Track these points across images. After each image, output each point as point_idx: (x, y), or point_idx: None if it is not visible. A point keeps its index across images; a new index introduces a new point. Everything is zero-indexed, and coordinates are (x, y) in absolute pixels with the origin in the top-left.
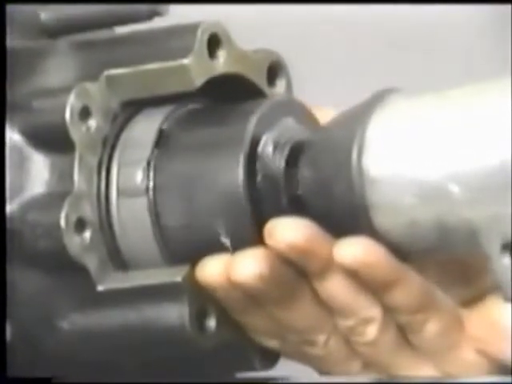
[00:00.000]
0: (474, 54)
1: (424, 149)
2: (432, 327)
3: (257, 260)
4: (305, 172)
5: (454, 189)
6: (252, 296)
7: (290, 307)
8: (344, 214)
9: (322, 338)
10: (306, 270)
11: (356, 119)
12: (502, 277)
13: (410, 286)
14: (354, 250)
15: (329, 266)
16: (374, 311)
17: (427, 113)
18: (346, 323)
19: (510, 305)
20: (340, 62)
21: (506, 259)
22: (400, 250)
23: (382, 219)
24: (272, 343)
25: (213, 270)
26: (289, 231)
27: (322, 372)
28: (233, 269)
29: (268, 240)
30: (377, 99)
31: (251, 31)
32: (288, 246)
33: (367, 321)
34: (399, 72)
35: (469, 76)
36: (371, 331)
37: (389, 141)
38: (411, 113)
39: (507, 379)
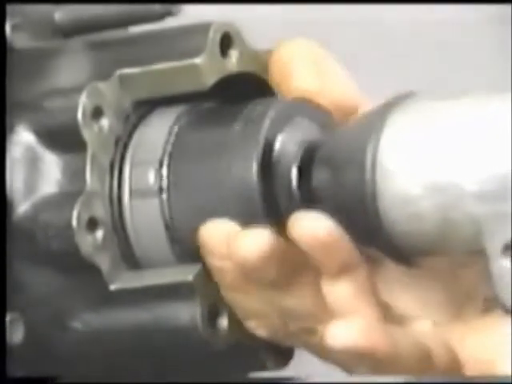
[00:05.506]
0: (474, 54)
1: (438, 147)
2: None
3: (260, 238)
4: (319, 168)
5: (464, 183)
6: (246, 274)
7: (287, 293)
8: (352, 204)
9: (321, 328)
10: (319, 266)
11: (375, 117)
12: (500, 280)
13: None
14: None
15: (344, 267)
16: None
17: (444, 113)
18: None
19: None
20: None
21: (505, 261)
22: (403, 247)
23: (388, 209)
24: (272, 332)
25: (215, 233)
26: (314, 222)
27: (321, 359)
28: (235, 241)
29: (291, 230)
30: (396, 100)
31: (264, 31)
32: (311, 237)
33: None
34: (399, 72)
35: (468, 76)
36: None
37: (405, 137)
38: (430, 113)
39: (507, 379)
